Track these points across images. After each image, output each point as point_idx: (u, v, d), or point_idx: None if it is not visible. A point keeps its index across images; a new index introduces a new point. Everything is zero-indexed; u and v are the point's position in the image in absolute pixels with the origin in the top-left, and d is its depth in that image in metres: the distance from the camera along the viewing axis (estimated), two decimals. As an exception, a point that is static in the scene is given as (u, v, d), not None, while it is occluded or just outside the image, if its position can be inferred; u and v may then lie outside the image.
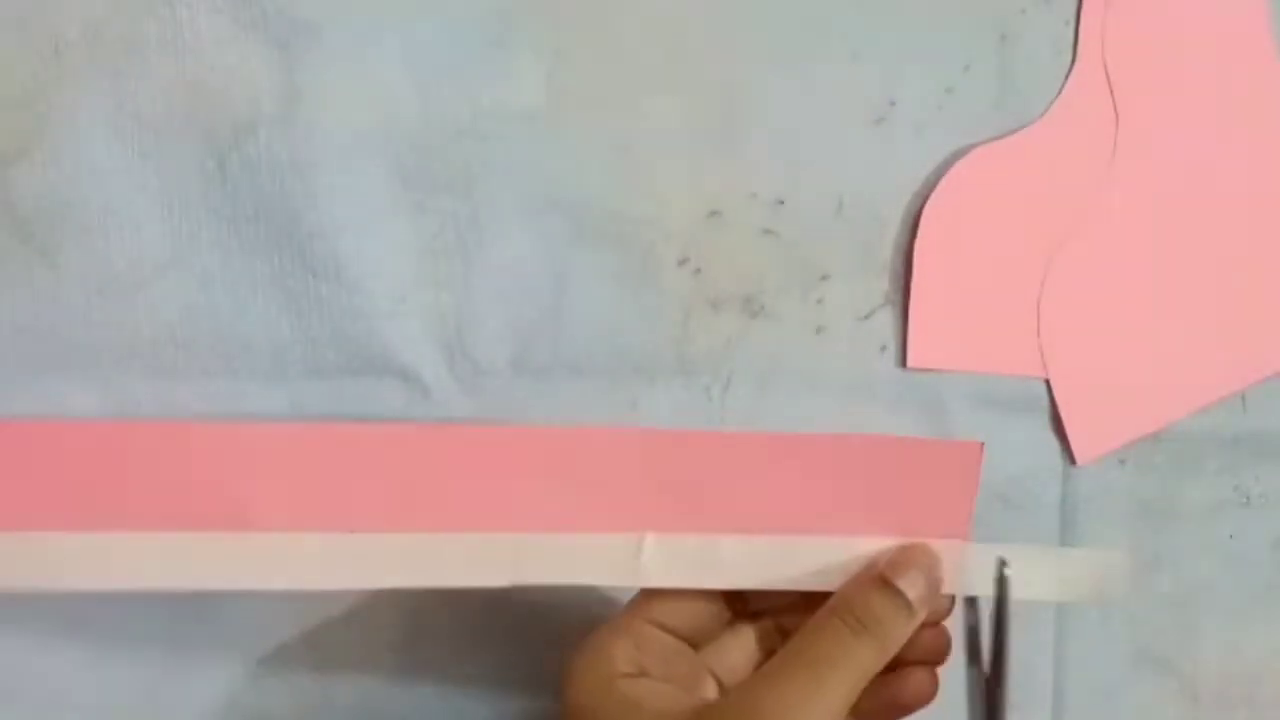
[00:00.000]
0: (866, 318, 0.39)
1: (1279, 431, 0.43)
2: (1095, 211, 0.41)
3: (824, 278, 0.38)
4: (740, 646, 0.33)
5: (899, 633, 0.30)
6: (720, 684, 0.32)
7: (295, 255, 0.33)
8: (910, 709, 0.32)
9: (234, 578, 0.30)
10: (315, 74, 0.33)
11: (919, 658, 0.32)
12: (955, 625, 0.34)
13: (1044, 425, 0.41)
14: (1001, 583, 0.32)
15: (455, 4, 0.33)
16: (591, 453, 0.31)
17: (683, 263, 0.37)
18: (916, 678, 0.32)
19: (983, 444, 0.33)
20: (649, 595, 0.31)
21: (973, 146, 0.39)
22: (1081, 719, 0.41)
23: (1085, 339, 0.41)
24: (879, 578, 0.31)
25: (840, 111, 0.37)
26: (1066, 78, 0.40)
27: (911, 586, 0.30)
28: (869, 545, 0.32)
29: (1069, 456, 0.41)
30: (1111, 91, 0.40)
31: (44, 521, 0.29)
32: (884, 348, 0.39)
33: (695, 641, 0.32)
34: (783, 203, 0.37)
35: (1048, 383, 0.41)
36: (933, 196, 0.38)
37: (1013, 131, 0.39)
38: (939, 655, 0.33)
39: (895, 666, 0.31)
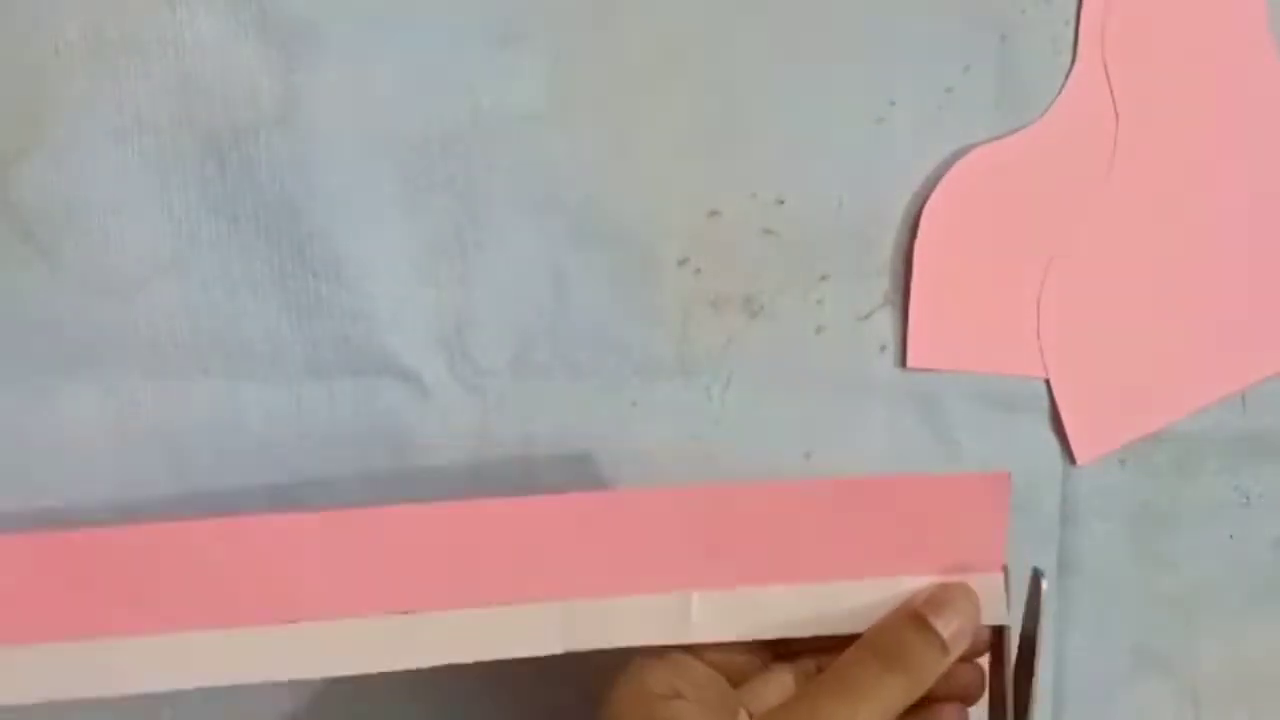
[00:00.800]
0: (866, 318, 0.39)
1: (1278, 431, 0.43)
2: (1095, 211, 0.41)
3: (824, 278, 0.38)
4: (777, 686, 0.33)
5: (931, 670, 0.30)
6: (751, 717, 0.32)
7: (295, 255, 0.33)
8: None
9: (290, 668, 0.30)
10: (315, 74, 0.33)
11: (951, 694, 0.32)
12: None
13: (1044, 425, 0.41)
14: (1036, 593, 0.33)
15: (455, 4, 0.33)
16: (631, 514, 0.32)
17: (683, 263, 0.37)
18: (946, 714, 0.32)
19: (1009, 474, 0.33)
20: None
21: (972, 146, 0.39)
22: (1081, 719, 0.41)
23: (1085, 339, 0.41)
24: (915, 615, 0.31)
25: (840, 111, 0.37)
26: (1066, 78, 0.40)
27: (947, 626, 0.31)
28: (909, 584, 0.32)
29: (1069, 456, 0.41)
30: (1111, 91, 0.40)
31: (84, 628, 0.29)
32: (884, 347, 0.39)
33: (732, 678, 0.32)
34: (783, 203, 0.37)
35: (1047, 383, 0.41)
36: (932, 196, 0.38)
37: (1012, 131, 0.39)
38: (971, 692, 0.33)
39: (926, 701, 0.31)
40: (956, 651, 0.31)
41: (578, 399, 0.36)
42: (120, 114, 0.32)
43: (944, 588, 0.32)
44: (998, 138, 0.39)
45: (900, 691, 0.30)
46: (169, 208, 0.32)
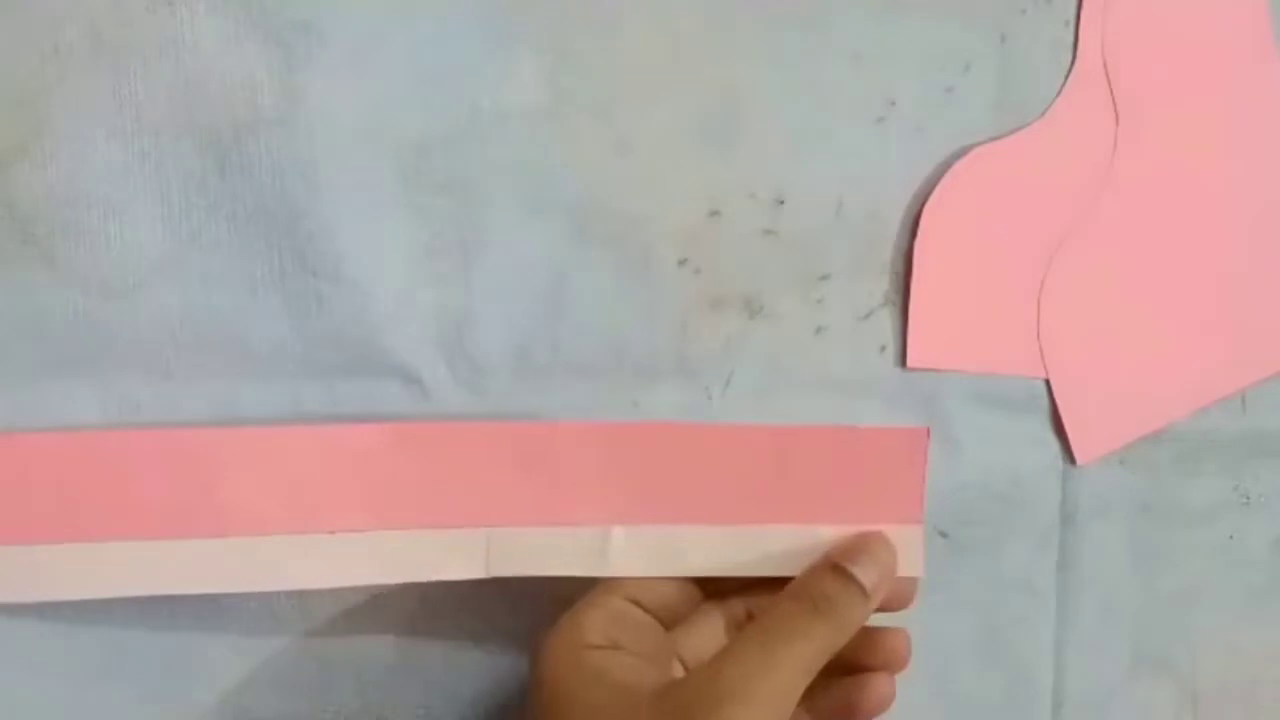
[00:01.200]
0: (866, 318, 0.39)
1: (1278, 431, 0.44)
2: (1095, 211, 0.41)
3: (824, 278, 0.38)
4: (708, 630, 0.34)
5: (853, 616, 0.31)
6: (685, 666, 0.33)
7: (295, 255, 0.33)
8: (867, 714, 0.33)
9: (218, 582, 0.31)
10: (315, 74, 0.33)
11: (879, 662, 0.34)
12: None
13: (1044, 425, 0.41)
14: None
15: (455, 4, 0.33)
16: (560, 446, 0.33)
17: (683, 263, 0.37)
18: (875, 683, 0.33)
19: (929, 429, 0.34)
20: None
21: (972, 147, 0.39)
22: (1081, 719, 0.41)
23: (1085, 339, 0.41)
24: (835, 564, 0.32)
25: (840, 111, 0.37)
26: (1066, 78, 0.40)
27: (865, 573, 0.32)
28: (828, 533, 0.34)
29: (1069, 456, 0.41)
30: (1111, 92, 0.40)
31: (40, 533, 0.30)
32: (884, 348, 0.39)
33: (666, 620, 0.33)
34: (783, 203, 0.37)
35: (1048, 382, 0.41)
36: (932, 196, 0.38)
37: (1012, 131, 0.39)
38: (899, 660, 0.34)
39: (855, 670, 0.33)
40: (877, 597, 0.32)
41: (578, 399, 0.36)
42: (120, 114, 0.32)
43: (859, 537, 0.33)
44: (997, 138, 0.39)
45: (824, 636, 0.30)
46: (169, 208, 0.32)
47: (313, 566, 0.31)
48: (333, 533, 0.32)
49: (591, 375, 0.36)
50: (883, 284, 0.39)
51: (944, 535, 0.40)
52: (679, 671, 0.33)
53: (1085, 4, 0.39)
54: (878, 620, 0.34)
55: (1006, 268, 0.40)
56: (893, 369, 0.39)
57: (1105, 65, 0.40)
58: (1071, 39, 0.39)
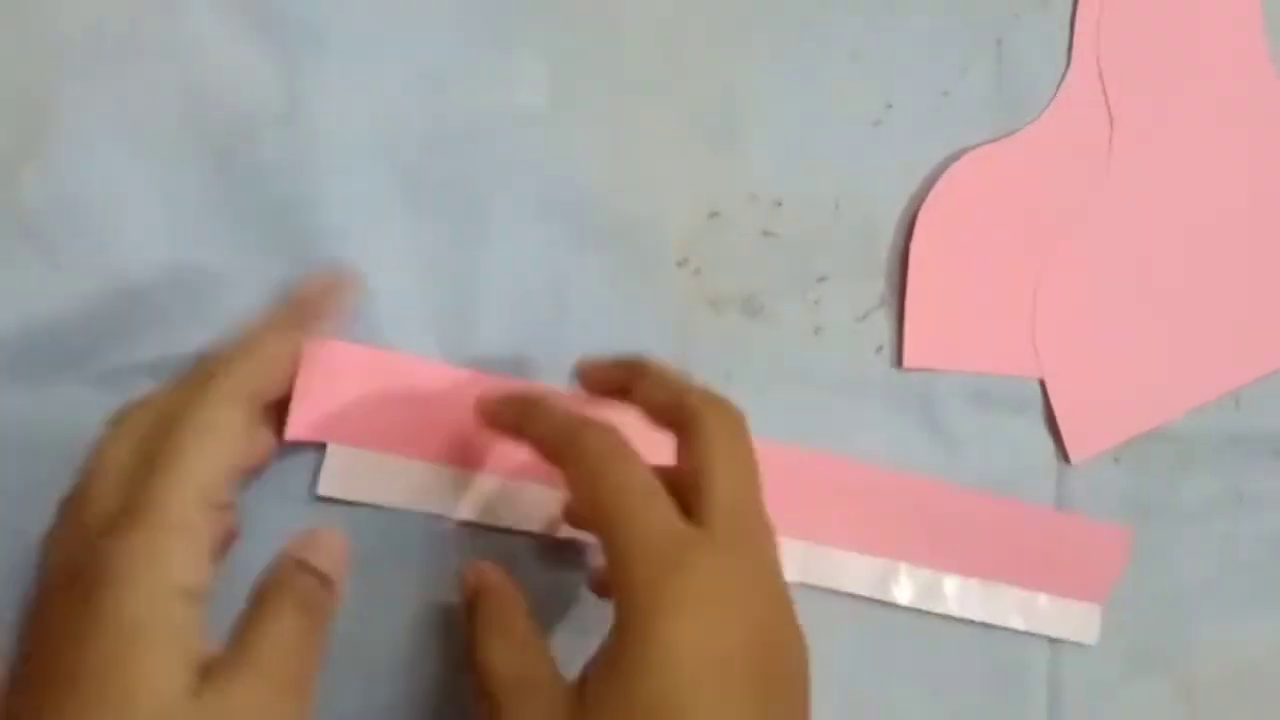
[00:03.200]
0: (864, 318, 0.39)
1: (1273, 430, 0.44)
2: (1090, 213, 0.41)
3: (821, 279, 0.38)
4: None
5: (330, 604, 0.28)
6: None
7: (296, 256, 0.33)
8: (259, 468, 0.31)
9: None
10: (317, 75, 0.33)
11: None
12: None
13: (1038, 424, 0.41)
14: None
15: (456, 5, 0.34)
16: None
17: (683, 263, 0.37)
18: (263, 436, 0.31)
19: (1131, 533, 0.41)
20: (200, 452, 0.27)
21: (969, 149, 0.39)
22: (1079, 719, 0.42)
23: (1079, 339, 0.41)
24: (298, 562, 0.28)
25: (838, 113, 0.38)
26: (1061, 81, 0.40)
27: (322, 561, 0.29)
28: (1044, 599, 0.41)
29: (1063, 455, 0.41)
30: (1105, 95, 0.41)
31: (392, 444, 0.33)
32: (880, 348, 0.39)
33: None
34: (781, 204, 0.37)
35: (1042, 382, 0.41)
36: (928, 198, 0.39)
37: (1008, 134, 0.40)
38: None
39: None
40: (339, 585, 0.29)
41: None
42: (121, 114, 0.32)
43: (311, 533, 0.29)
44: (993, 140, 0.39)
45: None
46: (169, 208, 0.32)
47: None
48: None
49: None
50: (879, 285, 0.39)
51: (941, 535, 0.40)
52: None
53: (1080, 8, 0.40)
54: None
55: (1002, 268, 0.40)
56: (889, 369, 0.39)
57: (1100, 69, 0.40)
58: (1067, 43, 0.40)
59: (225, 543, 0.29)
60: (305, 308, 0.32)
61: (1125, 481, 0.42)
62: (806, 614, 0.29)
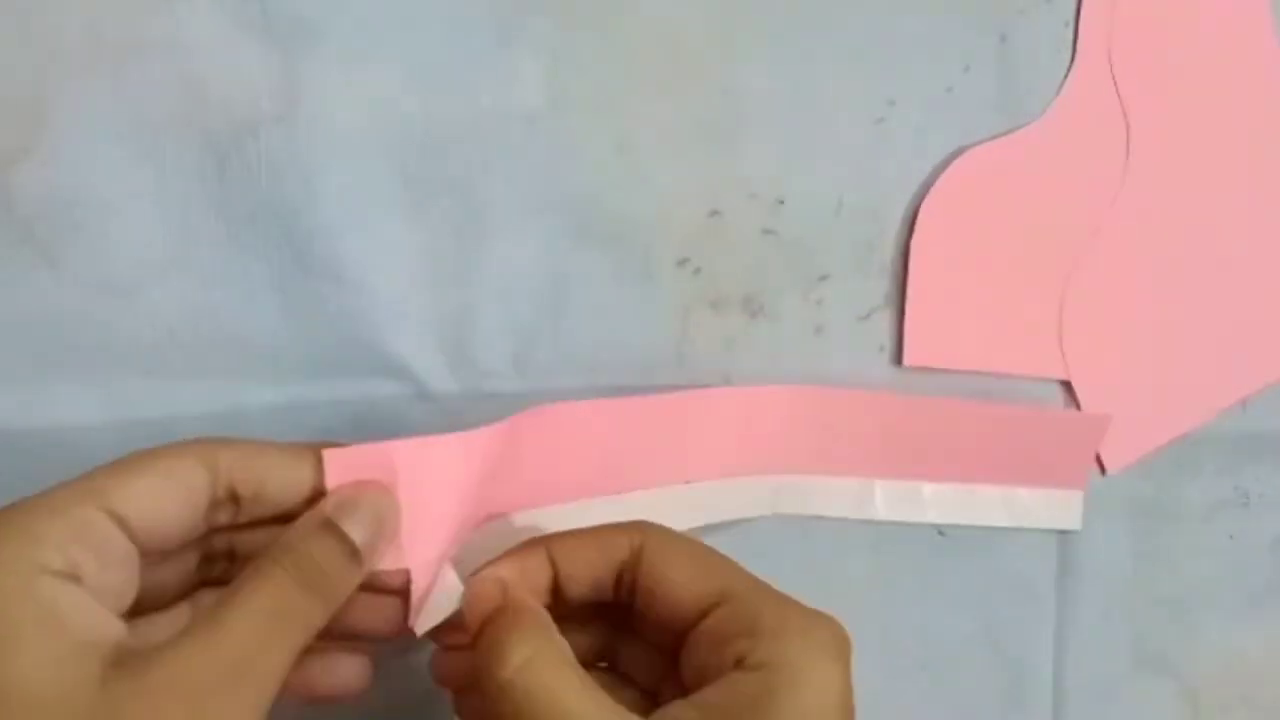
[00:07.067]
0: (865, 318, 0.39)
1: (1278, 432, 0.44)
2: (1111, 213, 0.41)
3: (823, 278, 0.38)
4: (182, 571, 0.27)
5: (345, 583, 0.26)
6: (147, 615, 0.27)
7: (295, 255, 0.33)
8: (326, 699, 0.28)
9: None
10: (315, 74, 0.33)
11: (364, 629, 0.28)
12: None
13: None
14: None
15: (455, 4, 0.33)
16: (831, 408, 0.38)
17: (683, 263, 0.37)
18: (344, 665, 0.28)
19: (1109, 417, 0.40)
20: (112, 474, 0.25)
21: (972, 146, 0.39)
22: (1081, 719, 0.41)
23: (1107, 345, 0.41)
24: (325, 519, 0.26)
25: (840, 111, 0.38)
26: (1065, 78, 0.40)
27: (357, 529, 0.26)
28: (1025, 492, 0.41)
29: (1099, 467, 0.41)
30: (1118, 91, 0.40)
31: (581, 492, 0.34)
32: (882, 348, 0.39)
33: (151, 551, 0.25)
34: (783, 203, 0.37)
35: (1064, 383, 0.41)
36: (930, 195, 0.39)
37: (1012, 131, 0.39)
38: (389, 629, 0.28)
39: (339, 636, 0.27)
40: (371, 560, 0.26)
41: (578, 399, 0.36)
42: (120, 114, 0.31)
43: (356, 487, 0.27)
44: (996, 137, 0.39)
45: (317, 616, 0.25)
46: (169, 208, 0.32)
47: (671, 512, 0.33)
48: (687, 483, 0.36)
49: (591, 375, 0.36)
50: (882, 284, 0.39)
51: (944, 535, 0.40)
52: (152, 630, 0.26)
53: (1086, 4, 0.39)
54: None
55: (1005, 267, 0.40)
56: (891, 369, 0.39)
57: (1112, 66, 0.40)
58: (1071, 39, 0.40)
59: (165, 595, 0.26)
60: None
61: (1130, 482, 0.42)
62: (809, 592, 0.28)
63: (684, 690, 0.26)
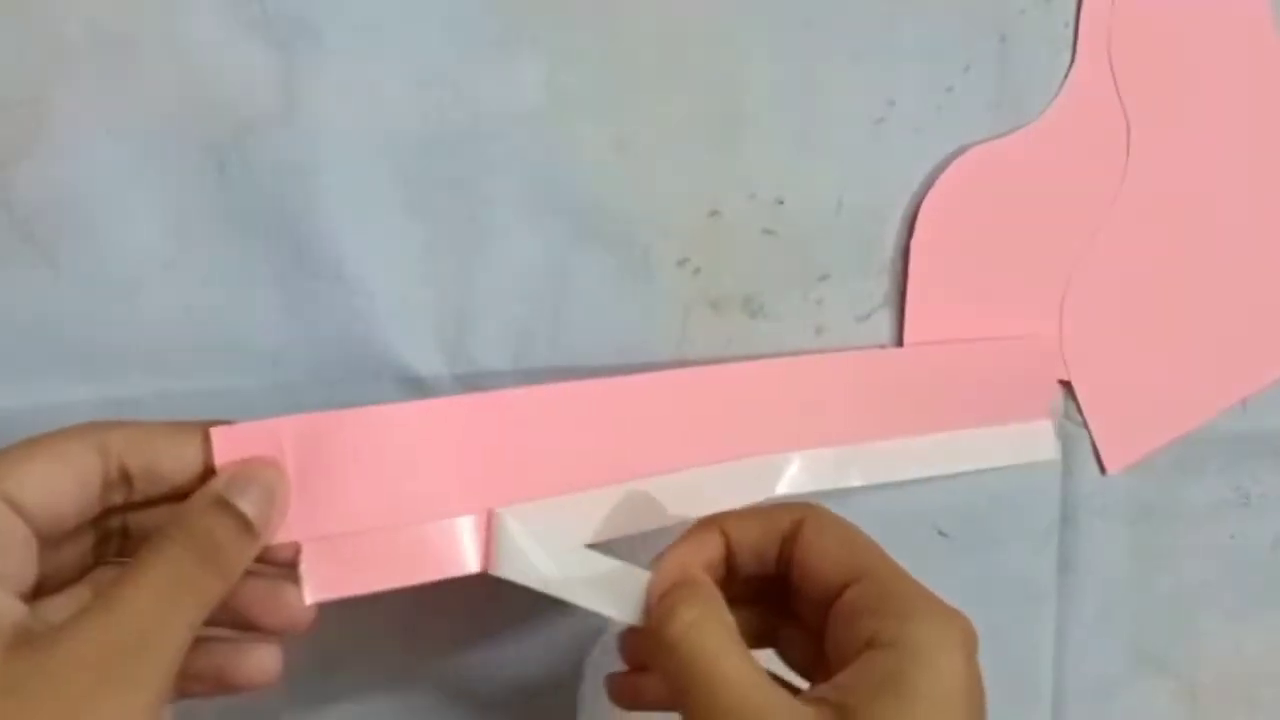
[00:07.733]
0: (866, 318, 0.39)
1: (1278, 432, 0.44)
2: (1112, 214, 0.41)
3: (823, 278, 0.38)
4: (80, 552, 0.28)
5: (240, 557, 0.26)
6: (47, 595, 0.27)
7: (295, 255, 0.33)
8: (240, 688, 0.28)
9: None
10: (315, 74, 0.33)
11: (269, 623, 0.28)
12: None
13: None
14: None
15: (455, 4, 0.33)
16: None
17: (683, 263, 0.37)
18: (257, 654, 0.28)
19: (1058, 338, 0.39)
20: (4, 460, 0.25)
21: (972, 146, 0.39)
22: (1081, 719, 0.41)
23: (1108, 346, 0.41)
24: (217, 497, 0.26)
25: (840, 111, 0.38)
26: (1065, 78, 0.40)
27: (251, 505, 0.26)
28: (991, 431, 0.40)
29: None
30: (1118, 91, 0.40)
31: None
32: (883, 348, 0.39)
33: (47, 534, 0.26)
34: (783, 203, 0.37)
35: (1065, 384, 0.41)
36: (929, 195, 0.39)
37: (1011, 131, 0.39)
38: (296, 623, 0.28)
39: (240, 626, 0.28)
40: (265, 536, 0.27)
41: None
42: (120, 114, 0.31)
43: (247, 464, 0.27)
44: (996, 137, 0.39)
45: (213, 592, 0.25)
46: (169, 207, 0.32)
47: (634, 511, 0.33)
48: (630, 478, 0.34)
49: (591, 375, 0.36)
50: (882, 284, 0.39)
51: (944, 535, 0.40)
52: (53, 610, 0.26)
53: (1086, 5, 0.39)
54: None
55: (1005, 267, 0.40)
56: (892, 369, 0.39)
57: (1111, 66, 0.40)
58: (1071, 39, 0.40)
59: (60, 577, 0.27)
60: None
61: (1130, 482, 0.42)
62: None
63: (829, 675, 0.28)
